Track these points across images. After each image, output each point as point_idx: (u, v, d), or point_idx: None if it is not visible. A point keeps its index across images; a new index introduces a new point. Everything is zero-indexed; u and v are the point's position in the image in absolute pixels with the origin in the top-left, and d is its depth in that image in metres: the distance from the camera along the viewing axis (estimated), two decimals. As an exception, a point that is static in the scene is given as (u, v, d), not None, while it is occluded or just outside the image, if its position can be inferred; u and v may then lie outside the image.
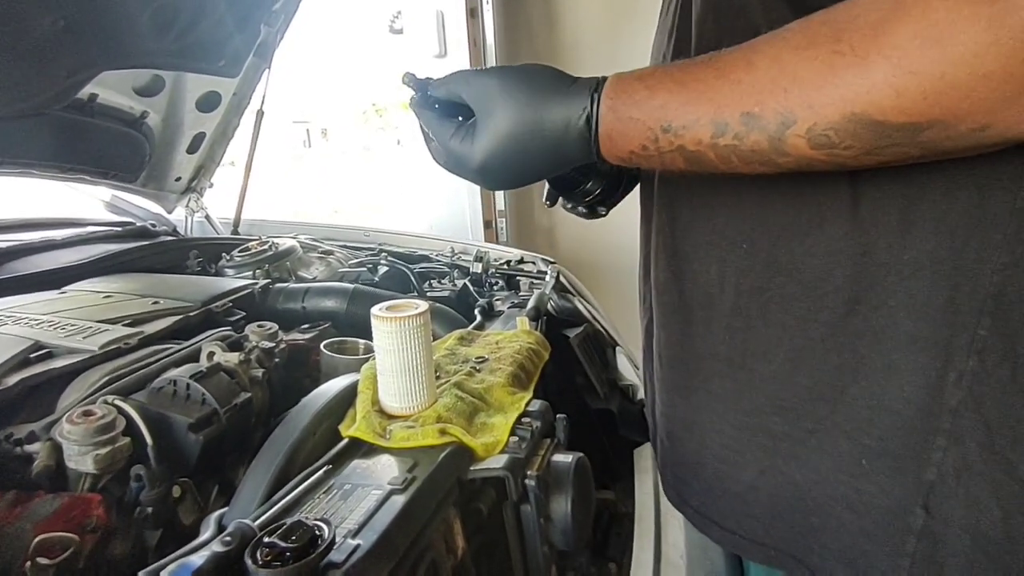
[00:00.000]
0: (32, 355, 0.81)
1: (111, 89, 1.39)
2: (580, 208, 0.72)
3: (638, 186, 0.71)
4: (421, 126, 0.60)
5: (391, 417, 0.70)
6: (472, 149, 0.53)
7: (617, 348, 1.26)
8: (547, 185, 0.69)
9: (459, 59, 2.44)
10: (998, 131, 0.35)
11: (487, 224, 2.62)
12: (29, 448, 0.69)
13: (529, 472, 0.65)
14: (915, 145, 0.37)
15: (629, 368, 1.22)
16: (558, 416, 0.77)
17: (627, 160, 0.49)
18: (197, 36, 1.34)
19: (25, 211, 1.73)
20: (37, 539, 0.56)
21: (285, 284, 1.24)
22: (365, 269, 1.38)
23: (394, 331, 0.67)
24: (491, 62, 2.52)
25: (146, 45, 1.28)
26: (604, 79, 0.49)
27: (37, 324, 0.90)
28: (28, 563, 0.54)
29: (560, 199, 0.71)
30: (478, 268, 1.36)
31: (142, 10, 1.22)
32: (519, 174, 0.54)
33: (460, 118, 0.56)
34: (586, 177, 0.67)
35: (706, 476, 0.61)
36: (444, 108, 0.58)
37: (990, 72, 0.32)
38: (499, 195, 2.62)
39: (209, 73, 1.48)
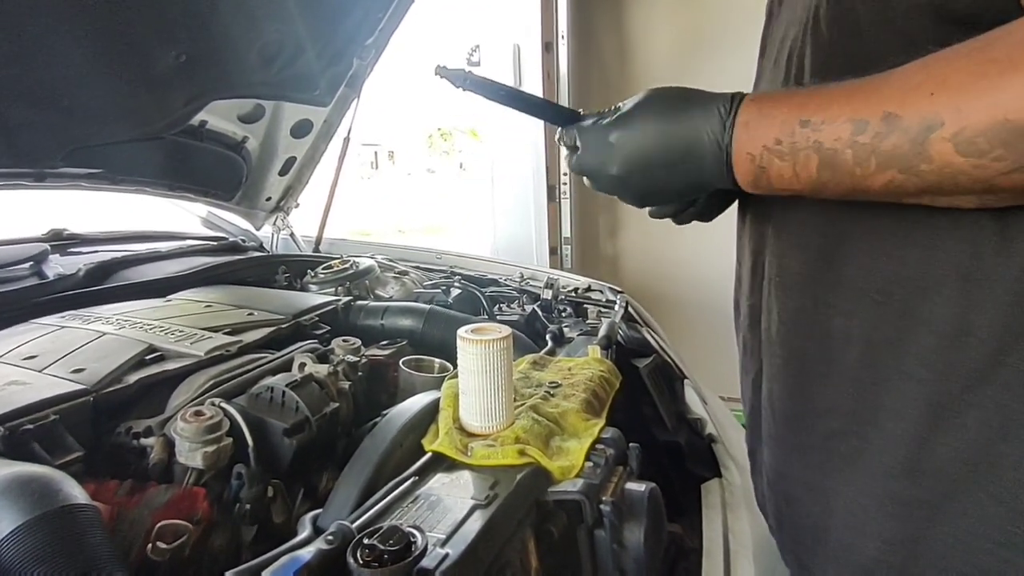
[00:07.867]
0: (147, 357, 0.89)
1: (218, 116, 1.53)
2: (668, 211, 0.67)
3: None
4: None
5: (471, 435, 0.73)
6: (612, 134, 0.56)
7: (685, 381, 1.26)
8: None
9: (533, 91, 2.51)
10: None
11: (552, 250, 2.66)
12: (145, 442, 0.76)
13: (604, 498, 0.67)
14: None
15: (697, 402, 1.21)
16: (631, 445, 0.78)
17: (759, 160, 0.49)
18: (297, 68, 1.46)
19: (129, 223, 1.89)
20: (157, 525, 0.61)
21: (365, 302, 1.30)
22: (440, 291, 1.43)
23: (479, 353, 0.71)
24: (564, 94, 2.59)
25: (253, 76, 1.41)
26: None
27: (150, 328, 0.99)
28: (150, 546, 0.59)
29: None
30: (548, 295, 1.38)
31: (252, 45, 1.34)
32: (654, 170, 0.55)
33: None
34: None
35: (831, 544, 0.56)
36: None
37: None
38: (565, 221, 2.66)
39: (304, 102, 1.60)
